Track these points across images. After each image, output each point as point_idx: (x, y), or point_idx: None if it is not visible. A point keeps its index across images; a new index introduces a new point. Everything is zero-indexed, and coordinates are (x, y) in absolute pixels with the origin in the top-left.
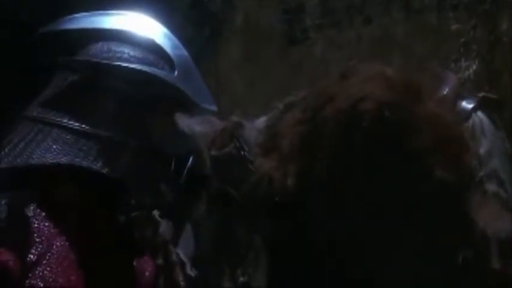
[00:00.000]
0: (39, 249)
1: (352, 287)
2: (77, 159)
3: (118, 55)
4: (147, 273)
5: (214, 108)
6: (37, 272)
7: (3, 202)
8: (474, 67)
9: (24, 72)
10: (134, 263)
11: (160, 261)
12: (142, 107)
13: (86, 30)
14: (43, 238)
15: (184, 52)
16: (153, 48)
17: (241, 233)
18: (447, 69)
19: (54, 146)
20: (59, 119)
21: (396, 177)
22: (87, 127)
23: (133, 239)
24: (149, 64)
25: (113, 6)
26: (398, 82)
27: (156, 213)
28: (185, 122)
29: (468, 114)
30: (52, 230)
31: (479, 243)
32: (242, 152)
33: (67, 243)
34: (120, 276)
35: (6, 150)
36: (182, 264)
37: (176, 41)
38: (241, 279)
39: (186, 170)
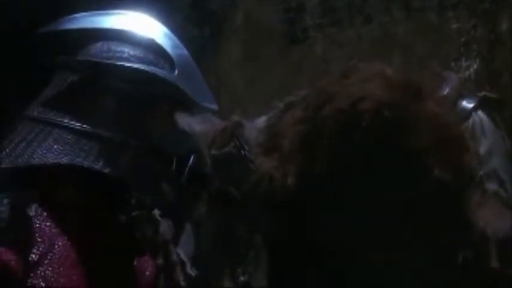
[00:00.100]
0: (40, 249)
1: (352, 287)
2: (78, 159)
3: (118, 55)
4: (147, 273)
5: (214, 107)
6: (39, 271)
7: (4, 202)
8: (475, 66)
9: (24, 72)
10: (135, 263)
11: (160, 261)
12: (142, 107)
13: (86, 30)
14: (45, 238)
15: (185, 51)
16: (153, 48)
17: (241, 232)
18: (448, 69)
19: (55, 146)
20: (59, 119)
21: (395, 177)
22: (88, 127)
23: (134, 238)
24: (149, 63)
25: (113, 6)
26: (398, 82)
27: (156, 212)
28: (186, 122)
29: (468, 113)
30: (54, 230)
31: (479, 243)
32: (242, 152)
33: (68, 243)
34: (121, 276)
35: (7, 150)
36: (182, 264)
37: (176, 41)
38: (242, 278)
39: (187, 169)
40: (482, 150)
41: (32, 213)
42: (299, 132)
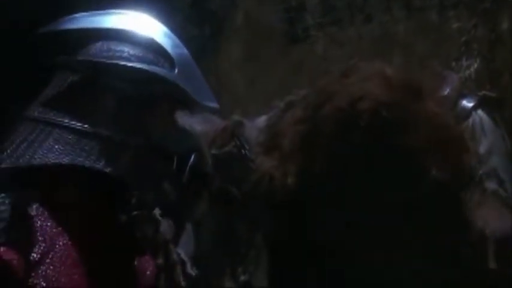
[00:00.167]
0: (42, 248)
1: (352, 286)
2: (79, 159)
3: (118, 54)
4: (148, 273)
5: (215, 105)
6: (40, 271)
7: (6, 202)
8: (475, 66)
9: (24, 72)
10: (135, 263)
11: (160, 260)
12: (143, 106)
13: (85, 30)
14: (46, 237)
15: (185, 50)
16: (153, 47)
17: (242, 232)
18: (448, 68)
19: (56, 146)
20: (60, 119)
21: (395, 177)
22: (88, 127)
23: (135, 238)
24: (149, 63)
25: (114, 6)
26: (398, 81)
27: (156, 212)
28: (186, 121)
29: (468, 112)
30: (55, 230)
31: (478, 243)
32: (243, 151)
33: (69, 243)
34: (122, 275)
35: (9, 151)
36: (183, 264)
37: (176, 40)
38: (242, 277)
39: (188, 168)
40: (482, 149)
41: (33, 212)
42: (299, 132)
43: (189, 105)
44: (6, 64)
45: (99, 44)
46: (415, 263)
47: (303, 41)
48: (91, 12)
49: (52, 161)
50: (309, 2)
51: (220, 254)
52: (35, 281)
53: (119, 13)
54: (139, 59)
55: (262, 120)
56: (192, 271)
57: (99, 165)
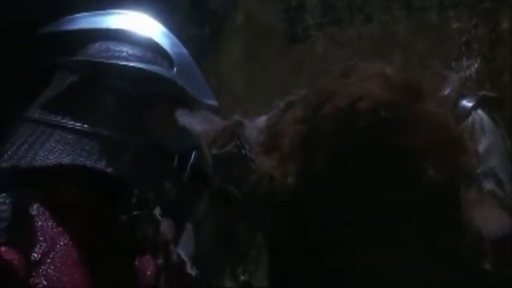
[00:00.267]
0: (42, 248)
1: (352, 286)
2: (79, 159)
3: (116, 54)
4: (148, 273)
5: (214, 103)
6: (41, 270)
7: (7, 201)
8: (476, 66)
9: (24, 72)
10: (136, 262)
11: (161, 260)
12: (142, 105)
13: (85, 30)
14: (47, 237)
15: (184, 50)
16: (151, 47)
17: (242, 232)
18: (448, 68)
19: (57, 147)
20: (60, 120)
21: (393, 177)
22: (88, 127)
23: (135, 238)
24: (148, 62)
25: (114, 6)
26: (398, 81)
27: (157, 212)
28: (186, 120)
29: (468, 112)
30: (55, 229)
31: (476, 243)
32: (243, 151)
33: (70, 242)
34: (122, 275)
35: (9, 152)
36: (183, 264)
37: (175, 39)
38: (242, 277)
39: (188, 166)
40: (481, 148)
41: (34, 212)
42: (299, 132)
43: (189, 104)
44: (6, 64)
45: (98, 44)
46: (415, 263)
47: (303, 41)
48: (91, 13)
49: (53, 162)
50: (309, 2)
51: (220, 254)
52: (35, 281)
53: (118, 13)
54: (138, 59)
55: (262, 120)
56: (192, 271)
57: (100, 165)
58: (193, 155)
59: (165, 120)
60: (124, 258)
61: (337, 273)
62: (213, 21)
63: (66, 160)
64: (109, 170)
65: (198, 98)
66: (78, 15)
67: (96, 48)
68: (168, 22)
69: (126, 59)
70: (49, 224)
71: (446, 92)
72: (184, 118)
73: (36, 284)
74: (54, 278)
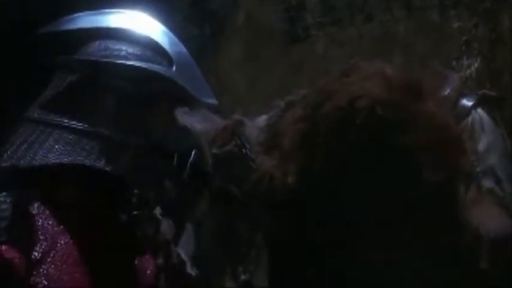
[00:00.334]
0: (43, 246)
1: (352, 286)
2: (79, 158)
3: (116, 53)
4: (148, 272)
5: (214, 101)
6: (42, 269)
7: (7, 200)
8: (476, 65)
9: (24, 72)
10: (136, 262)
11: (161, 260)
12: (142, 104)
13: (85, 29)
14: (47, 236)
15: (183, 49)
16: (151, 45)
17: (242, 231)
18: (449, 68)
19: (57, 146)
20: (60, 120)
21: (392, 176)
22: (88, 126)
23: (135, 237)
24: (147, 61)
25: (114, 6)
26: (399, 81)
27: (157, 211)
28: (186, 119)
29: (468, 111)
30: (56, 228)
31: (475, 243)
32: (243, 150)
33: (71, 242)
34: (122, 274)
35: (9, 152)
36: (183, 263)
37: (174, 38)
38: (243, 277)
39: (188, 165)
40: (481, 147)
41: (34, 211)
42: (299, 131)
43: (189, 102)
44: (6, 64)
45: (97, 43)
46: (415, 263)
47: (303, 40)
48: (90, 12)
49: (52, 161)
50: (309, 1)
51: (220, 253)
52: (36, 280)
53: (118, 12)
54: (138, 58)
55: (262, 119)
56: (192, 271)
57: (100, 164)
58: (193, 154)
59: (165, 119)
60: (124, 257)
61: (337, 273)
62: (213, 21)
63: (65, 159)
64: (108, 169)
65: (197, 97)
66: (78, 14)
67: (96, 47)
68: (168, 22)
69: (125, 57)
70: (49, 223)
71: (447, 91)
72: (184, 117)
73: (37, 283)
74: (55, 277)
